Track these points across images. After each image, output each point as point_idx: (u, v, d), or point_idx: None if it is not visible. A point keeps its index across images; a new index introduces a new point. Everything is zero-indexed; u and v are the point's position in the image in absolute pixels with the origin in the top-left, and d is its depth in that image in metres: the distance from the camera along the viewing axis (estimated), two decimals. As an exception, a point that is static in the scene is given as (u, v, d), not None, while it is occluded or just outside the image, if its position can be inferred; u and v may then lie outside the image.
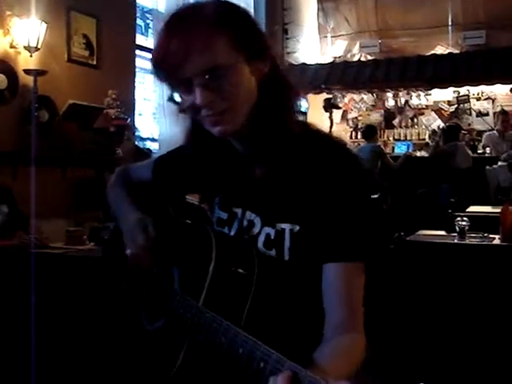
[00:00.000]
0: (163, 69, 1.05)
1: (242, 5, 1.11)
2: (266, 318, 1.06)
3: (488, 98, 9.13)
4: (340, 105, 9.21)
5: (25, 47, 4.20)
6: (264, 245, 1.11)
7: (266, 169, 1.14)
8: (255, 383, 0.86)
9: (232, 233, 1.18)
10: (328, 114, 7.40)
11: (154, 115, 6.22)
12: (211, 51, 1.01)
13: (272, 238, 1.10)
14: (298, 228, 1.08)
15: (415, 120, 9.66)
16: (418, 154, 8.56)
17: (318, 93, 8.65)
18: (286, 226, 1.08)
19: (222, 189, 1.23)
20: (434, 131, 8.84)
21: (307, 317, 1.10)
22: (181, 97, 1.08)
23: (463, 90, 9.12)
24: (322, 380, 0.75)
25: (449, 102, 9.37)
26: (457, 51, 8.78)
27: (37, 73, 4.19)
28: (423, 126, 9.53)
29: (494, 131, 7.93)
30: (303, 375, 0.77)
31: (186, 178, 1.31)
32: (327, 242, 1.04)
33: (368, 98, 9.83)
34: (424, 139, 9.35)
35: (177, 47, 1.01)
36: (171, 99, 1.10)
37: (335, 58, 9.65)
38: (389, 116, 9.80)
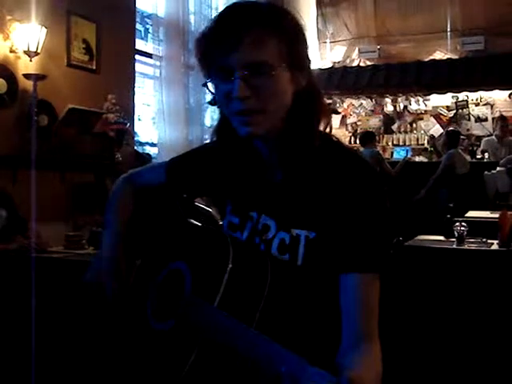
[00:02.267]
0: (210, 51, 1.06)
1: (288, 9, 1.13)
2: (278, 322, 1.07)
3: (487, 104, 9.15)
4: (339, 110, 9.24)
5: (24, 52, 4.20)
6: (278, 249, 1.12)
7: (285, 174, 1.15)
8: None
9: (244, 236, 1.19)
10: (327, 119, 7.41)
11: (154, 120, 6.22)
12: (261, 48, 1.03)
13: (287, 243, 1.11)
14: (313, 235, 1.09)
15: (414, 125, 9.68)
16: (417, 159, 8.57)
17: (317, 98, 8.66)
18: (302, 233, 1.10)
19: (235, 192, 1.23)
20: (432, 136, 8.84)
21: (319, 322, 1.11)
22: (215, 86, 1.09)
23: (462, 96, 9.14)
24: None
25: (448, 107, 9.39)
26: (455, 57, 8.80)
27: (36, 77, 4.19)
28: (422, 131, 9.55)
29: (493, 136, 7.94)
30: None
31: (201, 181, 1.31)
32: (345, 251, 1.05)
33: (367, 103, 9.85)
34: (423, 144, 9.37)
35: (230, 35, 1.02)
36: (205, 85, 1.11)
37: (334, 63, 9.67)
38: (388, 121, 9.81)
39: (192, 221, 1.24)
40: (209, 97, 1.14)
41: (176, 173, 1.34)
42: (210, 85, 1.10)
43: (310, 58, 1.14)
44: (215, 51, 1.05)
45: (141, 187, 1.38)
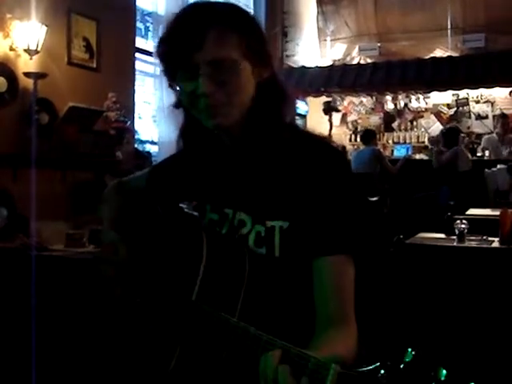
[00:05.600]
0: (173, 52, 1.09)
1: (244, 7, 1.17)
2: (259, 314, 1.08)
3: (487, 101, 9.14)
4: (339, 108, 9.22)
5: (25, 50, 4.20)
6: (254, 243, 1.14)
7: (254, 168, 1.17)
8: (250, 369, 0.88)
9: (223, 232, 1.20)
10: (327, 117, 7.42)
11: (154, 118, 6.22)
12: (223, 44, 1.07)
13: (262, 235, 1.13)
14: (287, 224, 1.11)
15: (414, 123, 9.67)
16: (418, 156, 8.57)
17: (318, 96, 8.67)
18: (276, 224, 1.12)
19: (212, 191, 1.25)
20: (432, 139, 8.82)
21: (299, 311, 1.13)
22: (180, 87, 1.13)
23: (462, 93, 9.14)
24: (311, 355, 0.78)
25: (448, 105, 9.39)
26: (456, 54, 8.79)
27: (37, 76, 4.19)
28: (422, 129, 9.55)
29: (494, 134, 7.95)
30: (294, 352, 0.81)
31: (179, 186, 1.33)
32: (316, 236, 1.08)
33: (367, 101, 9.84)
34: (423, 142, 9.37)
35: (193, 33, 1.06)
36: (171, 86, 1.15)
37: (335, 61, 9.67)
38: (388, 119, 9.81)
39: (171, 222, 1.25)
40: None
41: (156, 179, 1.38)
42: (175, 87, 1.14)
43: (272, 54, 1.18)
44: (178, 52, 1.08)
45: (126, 193, 1.40)
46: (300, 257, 1.10)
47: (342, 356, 0.89)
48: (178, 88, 1.14)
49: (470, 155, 7.27)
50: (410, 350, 0.70)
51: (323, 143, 1.17)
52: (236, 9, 1.14)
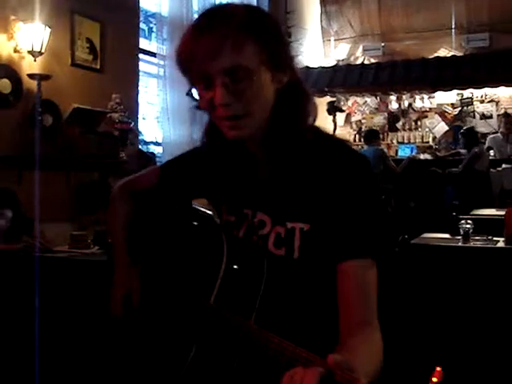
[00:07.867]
0: (189, 62, 1.07)
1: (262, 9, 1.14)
2: (277, 316, 1.08)
3: (491, 101, 9.11)
4: (343, 108, 9.21)
5: (29, 52, 4.20)
6: (274, 244, 1.13)
7: (276, 169, 1.16)
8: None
9: (240, 234, 1.20)
10: (331, 117, 7.42)
11: (158, 119, 6.22)
12: (239, 53, 1.03)
13: (282, 236, 1.12)
14: (308, 227, 1.10)
15: (419, 123, 9.65)
16: (422, 156, 8.56)
17: (322, 96, 8.66)
18: (297, 225, 1.11)
19: (230, 192, 1.24)
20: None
21: (317, 315, 1.12)
22: (199, 93, 1.10)
23: (467, 93, 9.11)
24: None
25: (452, 104, 9.36)
26: (460, 54, 8.78)
27: (41, 77, 4.19)
28: (427, 129, 9.53)
29: (498, 134, 7.92)
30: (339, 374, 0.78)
31: (195, 183, 1.32)
32: (341, 239, 1.06)
33: (371, 100, 9.83)
34: (428, 142, 9.35)
35: (206, 43, 1.03)
36: (189, 94, 1.12)
37: (338, 61, 9.66)
38: (392, 119, 9.78)
39: (189, 222, 1.24)
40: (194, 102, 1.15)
41: (170, 176, 1.35)
42: (194, 91, 1.11)
43: (293, 56, 1.14)
44: (194, 60, 1.05)
45: (137, 192, 1.38)
46: (320, 259, 1.09)
47: (369, 365, 0.89)
48: (196, 94, 1.11)
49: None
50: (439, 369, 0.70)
51: (345, 146, 1.15)
52: (255, 13, 1.09)
